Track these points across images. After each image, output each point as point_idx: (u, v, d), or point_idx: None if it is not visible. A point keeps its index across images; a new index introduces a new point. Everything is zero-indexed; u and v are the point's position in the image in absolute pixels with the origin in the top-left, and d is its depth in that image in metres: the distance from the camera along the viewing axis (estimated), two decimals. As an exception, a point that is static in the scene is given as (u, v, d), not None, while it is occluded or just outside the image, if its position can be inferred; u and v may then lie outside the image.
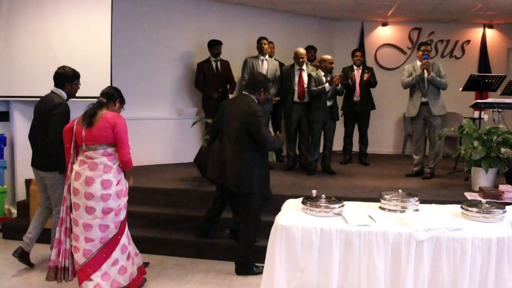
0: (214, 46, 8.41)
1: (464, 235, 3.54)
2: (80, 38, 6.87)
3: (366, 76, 8.61)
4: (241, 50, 8.93)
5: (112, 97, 4.59)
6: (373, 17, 10.47)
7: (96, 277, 4.31)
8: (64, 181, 4.76)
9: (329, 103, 7.63)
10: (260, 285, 3.84)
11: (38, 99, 5.28)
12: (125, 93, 7.88)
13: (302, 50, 7.96)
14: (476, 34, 10.73)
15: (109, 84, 6.75)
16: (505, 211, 3.88)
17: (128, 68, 8.12)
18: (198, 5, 8.92)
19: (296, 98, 7.87)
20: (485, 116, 7.61)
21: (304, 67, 7.95)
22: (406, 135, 10.40)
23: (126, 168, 4.46)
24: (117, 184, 4.37)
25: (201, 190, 6.49)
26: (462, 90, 7.96)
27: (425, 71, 7.29)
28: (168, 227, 6.10)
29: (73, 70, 5.20)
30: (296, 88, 7.85)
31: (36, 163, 5.20)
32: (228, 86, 8.62)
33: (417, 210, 4.06)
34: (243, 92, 5.27)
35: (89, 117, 4.36)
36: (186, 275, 5.25)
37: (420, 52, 7.49)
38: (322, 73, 7.68)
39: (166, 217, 6.14)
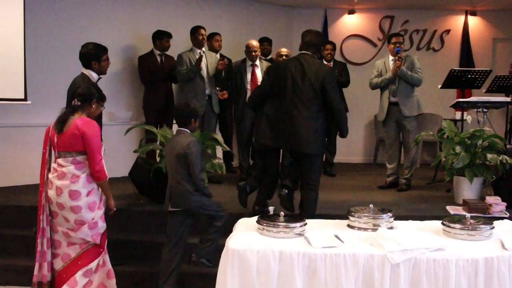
0: (164, 38, 8.36)
1: (446, 256, 3.57)
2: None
3: None
4: (184, 42, 8.83)
5: (87, 98, 4.75)
6: (337, 3, 10.58)
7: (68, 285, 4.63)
8: None
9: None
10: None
11: None
12: (43, 95, 7.78)
13: (255, 43, 7.94)
14: (457, 22, 10.94)
15: (23, 84, 6.61)
16: (493, 227, 3.93)
17: (47, 65, 7.96)
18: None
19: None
20: (468, 117, 7.74)
21: (257, 62, 7.94)
22: (378, 140, 10.51)
23: (98, 180, 4.68)
24: (87, 195, 4.62)
25: (138, 209, 6.38)
26: (441, 88, 8.08)
27: (396, 69, 7.35)
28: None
29: (98, 46, 5.59)
30: (248, 87, 7.83)
31: None
32: (172, 85, 8.58)
33: (391, 227, 4.08)
34: (305, 52, 5.79)
35: (60, 122, 4.62)
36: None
37: (391, 45, 7.56)
38: None
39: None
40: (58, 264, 4.69)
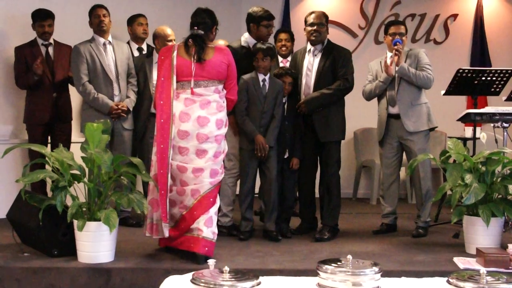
0: (38, 21, 8.25)
1: (454, 326, 3.59)
2: None
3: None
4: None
5: (209, 25, 6.37)
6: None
7: (199, 221, 6.02)
8: None
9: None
10: None
11: None
12: None
13: (169, 30, 7.95)
14: (467, 4, 11.11)
15: None
16: (518, 286, 3.97)
17: None
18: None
19: (154, 108, 7.30)
20: (482, 134, 7.81)
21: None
22: (359, 167, 10.57)
23: (230, 108, 6.50)
24: (225, 126, 6.29)
25: (20, 266, 6.25)
26: (445, 94, 8.13)
27: (394, 66, 7.35)
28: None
29: (262, 9, 7.38)
30: (153, 90, 7.62)
31: None
32: (68, 86, 8.49)
33: None
34: None
35: (201, 49, 6.11)
36: None
37: (389, 37, 7.61)
38: None
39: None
40: (189, 201, 6.06)
